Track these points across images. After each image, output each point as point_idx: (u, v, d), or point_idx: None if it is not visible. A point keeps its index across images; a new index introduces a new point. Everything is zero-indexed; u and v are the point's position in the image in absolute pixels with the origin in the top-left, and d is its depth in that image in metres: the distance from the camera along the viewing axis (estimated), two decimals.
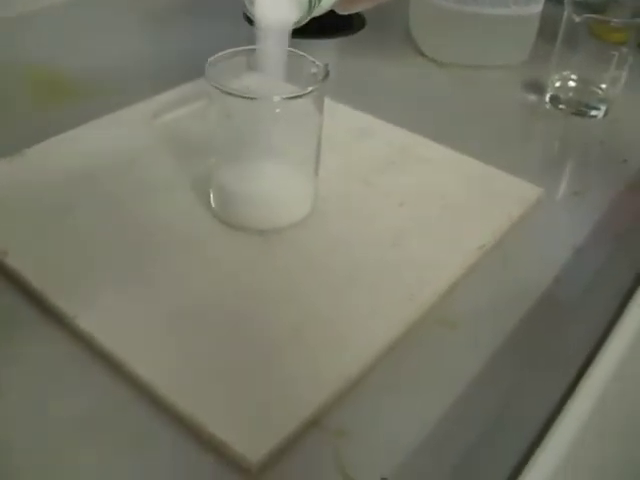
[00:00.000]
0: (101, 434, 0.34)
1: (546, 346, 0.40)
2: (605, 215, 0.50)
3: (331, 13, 0.43)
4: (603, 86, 0.61)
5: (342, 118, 0.56)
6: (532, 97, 0.66)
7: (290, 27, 0.40)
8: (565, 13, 0.60)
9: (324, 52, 0.71)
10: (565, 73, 0.62)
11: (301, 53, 0.43)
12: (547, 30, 0.66)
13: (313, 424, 0.34)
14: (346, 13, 0.45)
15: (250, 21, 0.74)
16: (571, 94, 0.63)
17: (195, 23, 0.76)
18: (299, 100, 0.40)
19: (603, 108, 0.62)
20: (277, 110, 0.41)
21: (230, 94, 0.40)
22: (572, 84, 0.62)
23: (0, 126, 0.56)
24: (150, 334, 0.38)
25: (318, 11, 0.40)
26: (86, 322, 0.38)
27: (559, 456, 0.32)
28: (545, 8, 0.68)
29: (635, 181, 0.54)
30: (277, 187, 0.45)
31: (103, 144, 0.52)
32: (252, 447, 0.32)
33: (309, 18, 0.39)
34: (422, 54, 0.72)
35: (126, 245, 0.43)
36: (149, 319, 0.39)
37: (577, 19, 0.59)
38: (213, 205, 0.46)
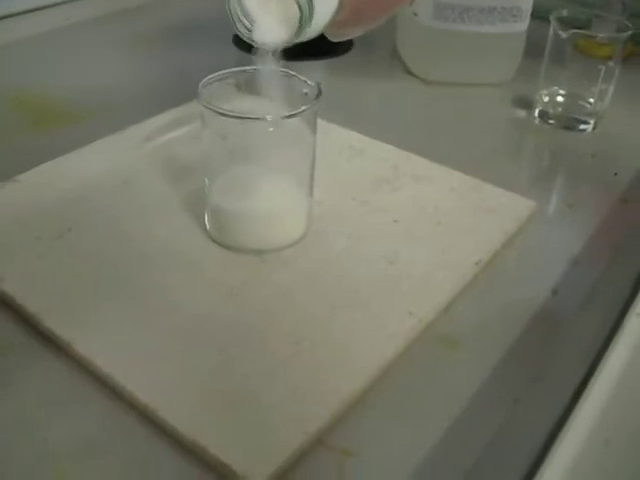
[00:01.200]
0: (104, 459, 0.33)
1: (546, 359, 0.40)
2: (599, 227, 0.50)
3: (320, 36, 0.44)
4: (591, 100, 0.62)
5: (332, 137, 0.56)
6: (521, 113, 0.66)
7: (281, 46, 0.40)
8: (551, 29, 0.61)
9: (313, 73, 0.70)
10: (553, 88, 0.63)
11: (293, 73, 0.43)
12: (534, 47, 0.66)
13: (318, 442, 0.34)
14: (338, 40, 0.45)
15: (239, 46, 0.75)
16: (560, 109, 0.63)
17: (181, 47, 0.76)
18: (293, 119, 0.40)
19: (592, 122, 0.63)
20: (270, 129, 0.41)
21: (224, 115, 0.40)
22: (560, 99, 0.63)
23: None
24: (149, 357, 0.37)
25: (309, 34, 0.40)
26: (84, 346, 0.37)
27: (564, 470, 0.32)
28: (531, 25, 0.68)
29: (626, 193, 0.55)
30: (273, 207, 0.45)
31: (96, 168, 0.52)
32: (256, 468, 0.32)
33: (300, 38, 0.40)
34: (410, 73, 0.72)
35: (122, 268, 0.43)
36: (147, 341, 0.38)
37: (563, 35, 0.59)
38: (208, 227, 0.46)
